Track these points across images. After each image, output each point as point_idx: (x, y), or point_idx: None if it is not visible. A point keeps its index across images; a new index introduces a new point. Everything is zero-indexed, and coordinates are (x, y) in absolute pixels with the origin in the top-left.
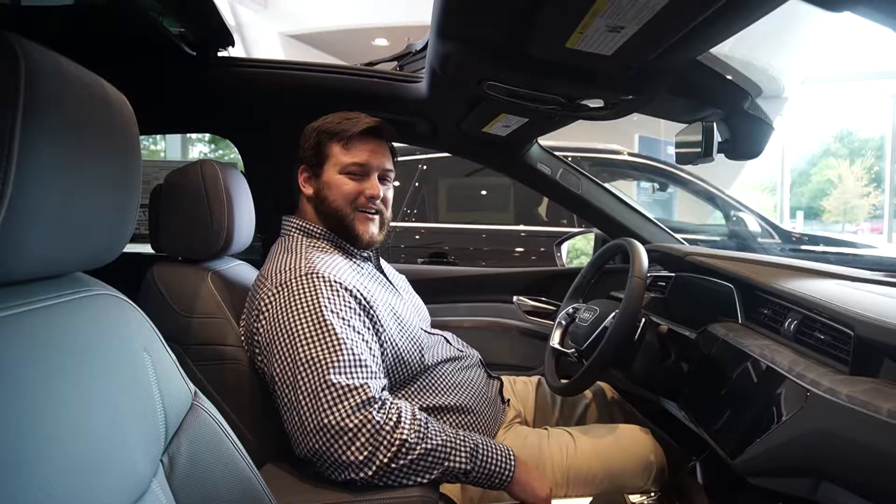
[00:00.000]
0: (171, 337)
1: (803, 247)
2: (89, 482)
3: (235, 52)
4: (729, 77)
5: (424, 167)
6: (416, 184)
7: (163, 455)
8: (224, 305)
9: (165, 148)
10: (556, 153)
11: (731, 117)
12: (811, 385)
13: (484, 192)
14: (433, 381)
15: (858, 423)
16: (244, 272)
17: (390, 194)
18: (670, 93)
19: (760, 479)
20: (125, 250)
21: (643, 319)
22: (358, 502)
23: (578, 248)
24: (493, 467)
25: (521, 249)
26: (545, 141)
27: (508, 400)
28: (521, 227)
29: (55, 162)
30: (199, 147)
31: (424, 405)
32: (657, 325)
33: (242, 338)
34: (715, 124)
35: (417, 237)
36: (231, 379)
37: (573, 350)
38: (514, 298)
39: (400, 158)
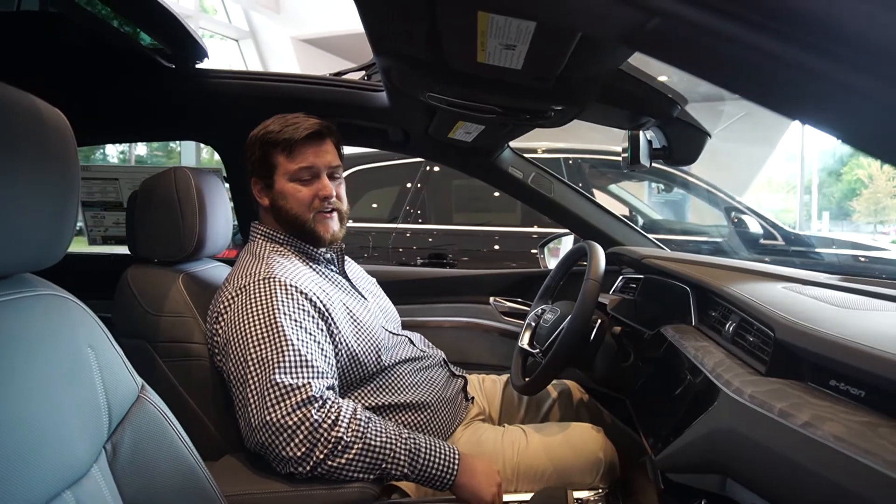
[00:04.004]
0: (141, 334)
1: (803, 249)
2: (21, 466)
3: (250, 56)
4: (655, 87)
5: (428, 168)
6: (419, 185)
7: (106, 443)
8: (192, 305)
9: (181, 150)
10: (527, 154)
11: (666, 125)
12: (724, 385)
13: (495, 194)
14: (390, 381)
15: (755, 422)
16: (220, 274)
17: (343, 189)
18: (601, 102)
19: (676, 476)
20: (116, 252)
21: (598, 321)
22: (299, 492)
23: None
24: (433, 470)
25: (535, 251)
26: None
27: (473, 398)
28: (534, 229)
29: None
30: None
31: (380, 403)
32: (613, 326)
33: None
34: (648, 131)
35: (430, 239)
36: (196, 375)
37: (538, 350)
38: (491, 299)
39: (404, 161)
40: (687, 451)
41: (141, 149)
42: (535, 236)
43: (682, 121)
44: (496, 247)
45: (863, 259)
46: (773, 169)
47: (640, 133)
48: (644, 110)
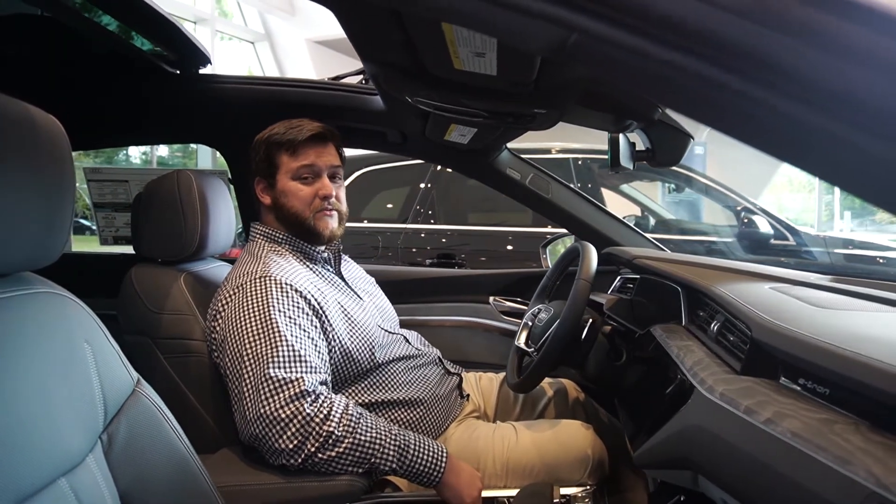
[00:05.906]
0: (143, 331)
1: (812, 249)
2: (14, 453)
3: (266, 58)
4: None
5: (438, 168)
6: (429, 185)
7: (102, 434)
8: (193, 304)
9: (198, 151)
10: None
11: (648, 127)
12: (699, 384)
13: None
14: (384, 378)
15: (722, 420)
16: (221, 273)
17: (342, 192)
18: (583, 105)
19: (653, 472)
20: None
21: (590, 320)
22: (290, 484)
23: None
24: (420, 467)
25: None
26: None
27: (468, 395)
28: (547, 229)
29: None
30: None
31: (374, 400)
32: (604, 325)
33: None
34: (632, 134)
35: (444, 240)
36: (196, 370)
37: (533, 349)
38: (491, 299)
39: (415, 161)
40: (661, 448)
41: (162, 150)
42: (548, 236)
43: (665, 123)
44: (509, 247)
45: (881, 260)
46: (794, 169)
47: (620, 136)
48: (625, 113)
